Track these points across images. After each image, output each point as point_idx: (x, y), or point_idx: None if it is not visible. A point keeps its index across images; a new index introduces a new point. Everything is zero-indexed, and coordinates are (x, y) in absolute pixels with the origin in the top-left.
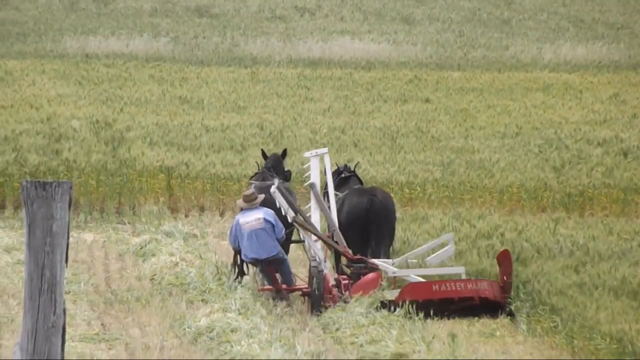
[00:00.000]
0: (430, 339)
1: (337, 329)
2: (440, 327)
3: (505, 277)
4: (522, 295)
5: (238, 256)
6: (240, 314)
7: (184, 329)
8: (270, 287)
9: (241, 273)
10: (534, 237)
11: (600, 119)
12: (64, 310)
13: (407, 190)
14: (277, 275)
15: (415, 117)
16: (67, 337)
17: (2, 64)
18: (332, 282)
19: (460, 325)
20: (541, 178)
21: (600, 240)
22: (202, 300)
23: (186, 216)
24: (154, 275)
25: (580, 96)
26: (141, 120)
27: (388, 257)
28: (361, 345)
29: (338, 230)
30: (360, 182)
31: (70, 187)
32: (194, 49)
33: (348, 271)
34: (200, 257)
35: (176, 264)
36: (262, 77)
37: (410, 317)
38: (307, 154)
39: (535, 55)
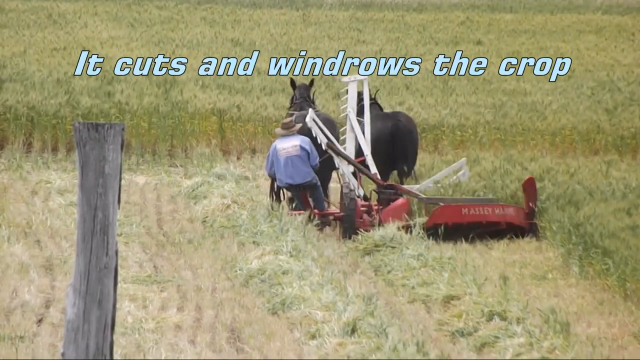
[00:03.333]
0: (482, 281)
1: (389, 272)
2: (492, 270)
3: (530, 204)
4: (574, 238)
5: (275, 183)
6: (291, 256)
7: (236, 271)
8: (301, 210)
9: (277, 199)
10: (586, 180)
11: None
12: (116, 252)
13: (459, 133)
14: (310, 201)
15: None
16: (119, 278)
17: (55, 6)
18: (362, 208)
19: (512, 268)
20: (594, 120)
21: None
22: (254, 242)
23: (238, 159)
24: (206, 217)
25: (632, 38)
26: (193, 62)
27: (413, 178)
28: (412, 288)
29: (370, 157)
30: (380, 109)
31: (123, 129)
32: None
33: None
34: (252, 199)
35: (228, 207)
36: (313, 20)
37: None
38: (344, 79)
39: None
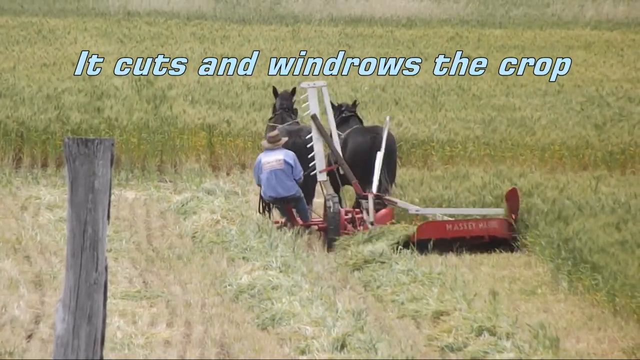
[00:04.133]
0: (472, 296)
1: (378, 287)
2: (482, 285)
3: (513, 215)
4: (563, 253)
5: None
6: (281, 271)
7: (225, 287)
8: (283, 222)
9: (268, 208)
10: (576, 195)
11: None
12: (106, 268)
13: (448, 148)
14: (294, 212)
15: (456, 74)
16: (108, 294)
17: (45, 22)
18: (346, 217)
19: (501, 283)
20: (583, 136)
21: None
22: (243, 258)
23: (227, 174)
24: (195, 233)
25: (622, 54)
26: (182, 78)
27: (389, 191)
28: (402, 303)
29: (344, 163)
30: (360, 122)
31: (112, 145)
32: (235, 7)
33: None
34: (242, 214)
35: (217, 222)
36: (303, 35)
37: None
38: (303, 85)
39: (577, 12)
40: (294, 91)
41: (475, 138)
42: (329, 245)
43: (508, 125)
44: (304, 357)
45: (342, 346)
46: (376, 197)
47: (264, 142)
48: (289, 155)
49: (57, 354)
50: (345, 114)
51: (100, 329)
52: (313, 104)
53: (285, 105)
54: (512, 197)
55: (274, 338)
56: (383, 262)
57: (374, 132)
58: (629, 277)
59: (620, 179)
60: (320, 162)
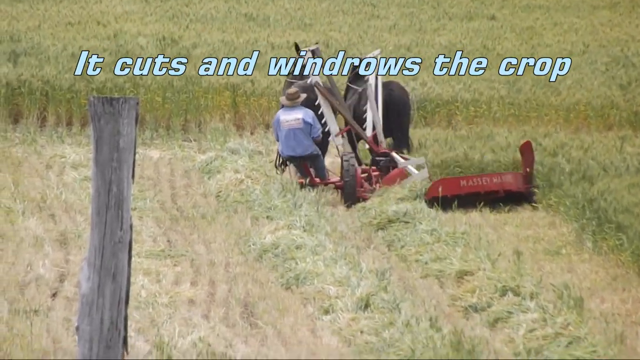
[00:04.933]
0: (496, 256)
1: (402, 247)
2: (506, 245)
3: (527, 168)
4: (588, 213)
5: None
6: (305, 231)
7: (249, 246)
8: (303, 179)
9: (284, 163)
10: (600, 155)
11: None
12: (131, 226)
13: (472, 108)
14: (312, 170)
15: (481, 34)
16: (133, 253)
17: None
18: (362, 175)
19: (525, 243)
20: (608, 96)
21: None
22: (267, 217)
23: (251, 133)
24: (220, 192)
25: None
26: (207, 37)
27: (408, 147)
28: (426, 263)
29: (355, 123)
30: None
31: (137, 103)
32: None
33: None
34: (266, 174)
35: (241, 181)
36: None
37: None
38: (302, 52)
39: None
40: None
41: (500, 98)
42: (347, 203)
43: (532, 85)
44: (328, 317)
45: (366, 306)
46: (384, 154)
47: (283, 99)
48: (309, 114)
49: (82, 312)
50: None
51: (124, 287)
52: (314, 69)
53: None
54: (526, 150)
55: (298, 297)
56: (407, 222)
57: (389, 88)
58: None
59: None
60: (332, 126)
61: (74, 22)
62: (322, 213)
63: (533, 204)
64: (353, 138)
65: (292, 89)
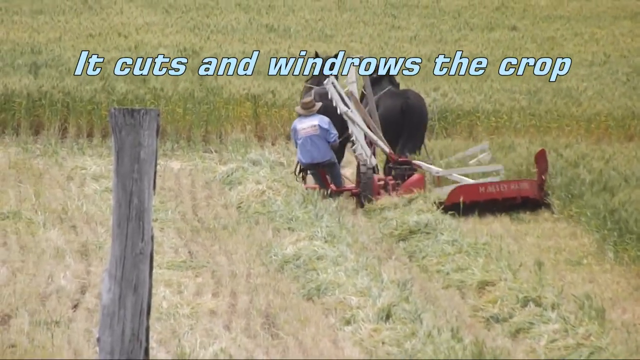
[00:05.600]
0: (517, 267)
1: (424, 257)
2: (527, 256)
3: (542, 176)
4: (609, 223)
5: None
6: (326, 241)
7: (271, 257)
8: (315, 185)
9: (303, 170)
10: (622, 166)
11: None
12: (152, 238)
13: (494, 119)
14: (328, 178)
15: (502, 45)
16: (154, 264)
17: None
18: (379, 182)
19: (547, 254)
20: (629, 106)
21: None
22: (289, 228)
23: (273, 144)
24: (241, 203)
25: None
26: (228, 48)
27: (425, 155)
28: (447, 273)
29: (381, 134)
30: (392, 84)
31: (158, 115)
32: None
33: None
34: (287, 185)
35: (263, 192)
36: (348, 6)
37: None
38: (349, 60)
39: None
40: (336, 56)
41: (521, 109)
42: (361, 206)
43: (554, 96)
44: (349, 327)
45: (387, 316)
46: (405, 162)
47: (298, 108)
48: (324, 121)
49: (103, 323)
50: (376, 75)
51: (146, 298)
52: (351, 78)
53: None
54: (540, 159)
55: (319, 308)
56: (428, 233)
57: (405, 96)
58: None
59: None
60: (364, 146)
61: (94, 33)
62: (343, 224)
63: (554, 214)
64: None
65: (307, 98)
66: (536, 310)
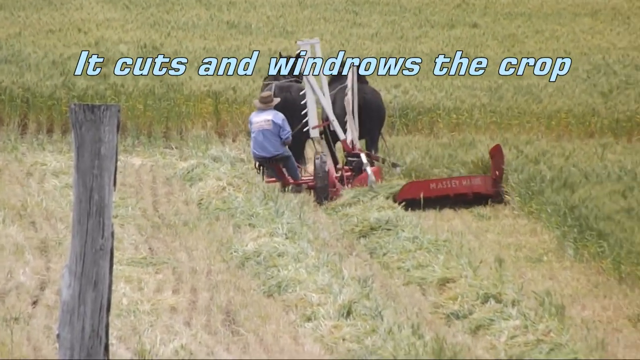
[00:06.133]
0: (478, 264)
1: (384, 254)
2: (487, 252)
3: (497, 171)
4: (569, 220)
5: None
6: (287, 238)
7: (231, 253)
8: (274, 179)
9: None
10: (582, 163)
11: None
12: (112, 234)
13: (455, 116)
14: (284, 171)
15: (462, 42)
16: (114, 260)
17: None
18: (335, 175)
19: (507, 251)
20: (589, 103)
21: None
22: (249, 224)
23: (233, 141)
24: (201, 199)
25: (628, 21)
26: (188, 45)
27: (377, 151)
28: (408, 270)
29: (336, 120)
30: (361, 81)
31: (119, 111)
32: None
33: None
34: (248, 181)
35: (223, 189)
36: (309, 2)
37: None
38: (299, 42)
39: None
40: (298, 55)
41: (482, 106)
42: (319, 202)
43: (514, 93)
44: (310, 324)
45: (348, 313)
46: (357, 155)
47: (256, 102)
48: (278, 117)
49: (63, 320)
50: (339, 71)
51: (106, 295)
52: (307, 62)
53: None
54: (496, 154)
55: (280, 305)
56: (389, 230)
57: (363, 92)
58: (635, 244)
59: (626, 147)
60: (312, 119)
61: (54, 29)
62: (304, 221)
63: (514, 211)
64: (329, 138)
65: (266, 92)
66: (496, 306)
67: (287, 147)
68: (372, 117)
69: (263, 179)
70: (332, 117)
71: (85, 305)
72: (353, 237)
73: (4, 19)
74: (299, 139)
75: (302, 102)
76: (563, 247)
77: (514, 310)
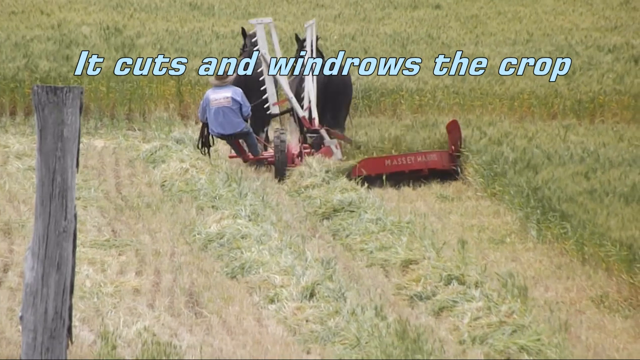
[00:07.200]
0: (441, 245)
1: (347, 236)
2: (450, 234)
3: (453, 146)
4: (532, 202)
5: (205, 129)
6: (250, 220)
7: (194, 236)
8: (236, 155)
9: (207, 144)
10: (545, 144)
11: (611, 26)
12: (75, 216)
13: (417, 97)
14: (245, 147)
15: (425, 23)
16: (78, 242)
17: None
18: (294, 151)
19: (470, 232)
20: (552, 85)
21: (610, 147)
22: (212, 206)
23: (196, 123)
24: (165, 181)
25: (591, 2)
26: (151, 26)
27: (343, 129)
28: (371, 252)
29: (294, 98)
30: (321, 56)
31: (81, 93)
32: None
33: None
34: (211, 164)
35: (186, 171)
36: None
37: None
38: (252, 21)
39: None
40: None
41: (445, 87)
42: (278, 178)
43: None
44: (273, 306)
45: (311, 295)
46: (315, 131)
47: (212, 79)
48: (237, 93)
49: (27, 302)
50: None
51: (69, 277)
52: (262, 40)
53: (255, 43)
54: (453, 129)
55: (243, 287)
56: (352, 211)
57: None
58: (598, 225)
59: (589, 128)
60: (272, 96)
61: (17, 11)
62: (267, 203)
63: (477, 192)
64: (296, 116)
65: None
66: (459, 288)
67: (247, 122)
68: (338, 93)
69: (209, 158)
70: (290, 94)
71: (49, 288)
72: (316, 219)
73: None
74: (260, 116)
75: (260, 79)
76: (526, 228)
77: (477, 291)
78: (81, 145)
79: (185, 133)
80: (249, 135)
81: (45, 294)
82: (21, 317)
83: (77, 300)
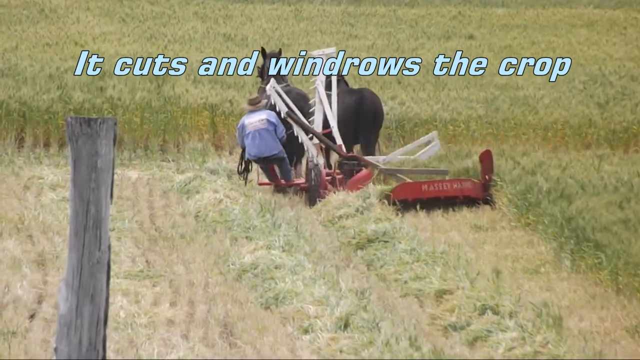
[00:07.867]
0: (475, 275)
1: (382, 266)
2: (484, 264)
3: (487, 176)
4: (566, 231)
5: (245, 153)
6: (284, 250)
7: (228, 266)
8: (268, 182)
9: (246, 169)
10: (578, 174)
11: None
12: (109, 247)
13: (451, 127)
14: (278, 172)
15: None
16: (112, 273)
17: (47, 1)
18: (327, 177)
19: (504, 262)
20: (585, 114)
21: None
22: (246, 237)
23: (230, 153)
24: (198, 212)
25: (624, 32)
26: (185, 57)
27: (374, 154)
28: (405, 282)
29: (336, 128)
30: (346, 85)
31: (115, 124)
32: None
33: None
34: (244, 194)
35: (220, 201)
36: (305, 15)
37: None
38: (314, 53)
39: None
40: (280, 52)
41: (478, 117)
42: (311, 203)
43: (511, 104)
44: (307, 336)
45: (345, 325)
46: (353, 157)
47: (245, 105)
48: (272, 115)
49: (60, 333)
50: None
51: (103, 308)
52: (320, 73)
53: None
54: (485, 159)
55: (277, 317)
56: (386, 241)
57: (360, 94)
58: (632, 255)
59: (623, 158)
60: (317, 127)
61: (51, 43)
62: (301, 233)
63: (511, 222)
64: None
65: (254, 95)
66: (494, 318)
67: (282, 147)
68: (369, 120)
69: (245, 184)
70: (333, 124)
71: (83, 319)
72: (350, 249)
73: (0, 32)
74: (297, 142)
75: (310, 110)
76: (560, 258)
77: (512, 321)
78: (115, 176)
79: (219, 164)
80: (284, 160)
81: (80, 325)
82: (55, 349)
83: (111, 331)
